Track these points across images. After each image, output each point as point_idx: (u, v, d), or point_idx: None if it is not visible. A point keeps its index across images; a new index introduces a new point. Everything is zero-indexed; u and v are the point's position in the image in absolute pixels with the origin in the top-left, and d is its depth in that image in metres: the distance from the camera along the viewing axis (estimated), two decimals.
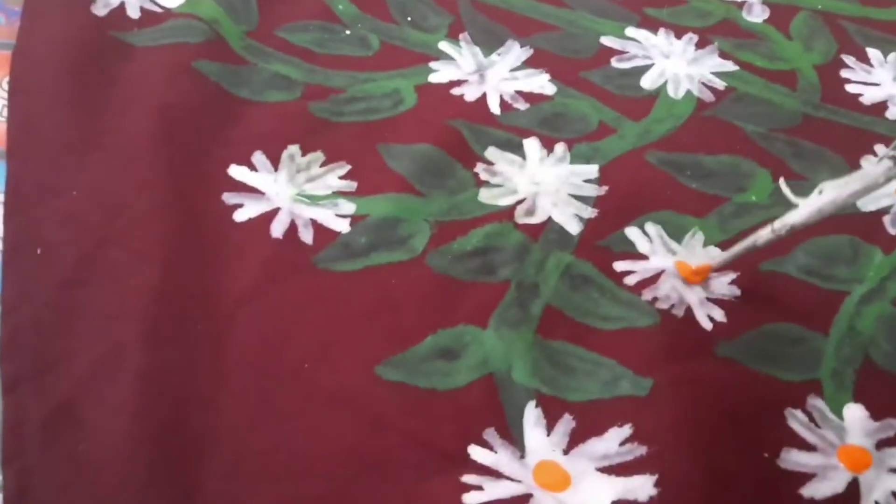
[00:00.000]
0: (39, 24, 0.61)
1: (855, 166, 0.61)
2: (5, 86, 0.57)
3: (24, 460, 0.40)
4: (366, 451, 0.43)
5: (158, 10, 0.64)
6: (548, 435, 0.44)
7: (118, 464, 0.40)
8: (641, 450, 0.43)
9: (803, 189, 0.59)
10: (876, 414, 0.47)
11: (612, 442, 0.43)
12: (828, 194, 0.44)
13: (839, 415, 0.47)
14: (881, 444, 0.46)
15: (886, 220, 0.58)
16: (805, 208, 0.45)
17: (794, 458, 0.45)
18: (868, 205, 0.58)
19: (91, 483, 0.40)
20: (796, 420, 0.46)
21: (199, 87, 0.59)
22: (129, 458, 0.40)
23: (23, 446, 0.40)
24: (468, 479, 0.42)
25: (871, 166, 0.40)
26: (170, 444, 0.42)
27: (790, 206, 0.58)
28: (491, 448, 0.43)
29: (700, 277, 0.52)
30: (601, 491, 0.41)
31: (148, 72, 0.59)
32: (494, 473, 0.42)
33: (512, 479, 0.42)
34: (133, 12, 0.63)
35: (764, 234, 0.48)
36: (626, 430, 0.44)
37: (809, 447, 0.45)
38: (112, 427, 0.41)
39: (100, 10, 0.62)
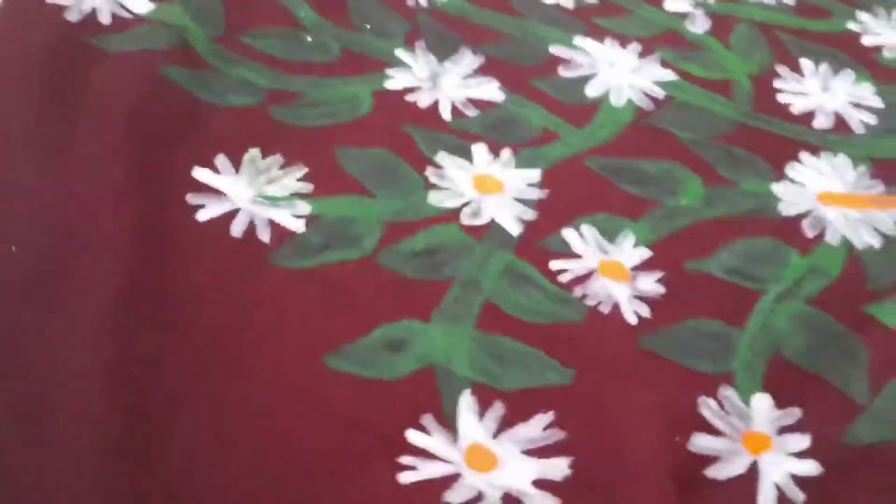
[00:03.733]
0: (14, 28, 0.64)
1: (781, 173, 0.66)
2: None
3: (4, 456, 0.44)
4: (313, 438, 0.47)
5: (129, 16, 0.67)
6: (479, 421, 0.48)
7: (83, 447, 0.44)
8: (560, 435, 0.47)
9: (730, 193, 0.64)
10: (780, 403, 0.52)
11: (536, 427, 0.48)
12: None
13: (747, 403, 0.52)
14: (782, 430, 0.50)
15: (804, 223, 0.62)
16: None
17: (702, 443, 0.49)
18: (789, 209, 0.63)
19: (59, 463, 0.44)
20: (708, 408, 0.51)
21: (167, 93, 0.62)
22: (94, 441, 0.44)
23: (2, 442, 0.44)
24: (404, 460, 0.46)
25: None
26: (132, 429, 0.46)
27: (716, 207, 0.63)
28: (427, 433, 0.48)
29: None
30: (523, 471, 0.46)
31: (118, 77, 0.62)
32: (429, 455, 0.46)
33: (444, 461, 0.46)
34: (104, 18, 0.66)
35: None
36: (549, 416, 0.48)
37: (717, 432, 0.50)
38: (79, 413, 0.45)
39: (73, 15, 0.66)
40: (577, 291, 0.56)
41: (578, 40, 0.74)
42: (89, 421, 0.45)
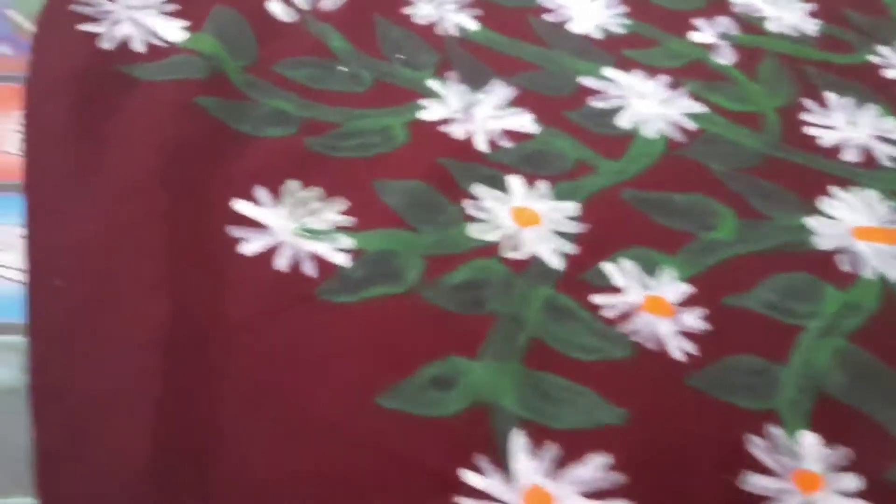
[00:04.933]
0: (48, 58, 0.63)
1: (812, 206, 0.66)
2: (17, 119, 0.60)
3: (55, 485, 0.43)
4: (365, 475, 0.46)
5: (163, 44, 0.67)
6: (533, 461, 0.48)
7: (137, 485, 0.43)
8: (618, 477, 0.47)
9: (764, 227, 0.64)
10: (827, 441, 0.52)
11: (593, 469, 0.48)
12: None
13: (794, 441, 0.52)
14: (831, 469, 0.50)
15: (839, 258, 0.63)
16: None
17: (754, 482, 0.49)
18: (824, 243, 0.63)
19: (102, 496, 0.43)
20: (756, 446, 0.51)
21: (202, 123, 0.62)
22: (151, 481, 0.44)
23: (51, 471, 0.43)
24: (461, 501, 0.46)
25: None
26: (177, 465, 0.45)
27: (751, 242, 0.63)
28: (481, 472, 0.47)
29: None
30: None
31: (153, 106, 0.62)
32: (485, 497, 0.46)
33: (502, 503, 0.46)
34: (138, 46, 0.66)
35: None
36: (605, 457, 0.48)
37: (767, 471, 0.50)
38: (131, 450, 0.44)
39: (106, 44, 0.65)
40: (623, 327, 0.55)
41: (607, 71, 0.74)
42: (133, 454, 0.44)
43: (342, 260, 0.56)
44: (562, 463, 0.48)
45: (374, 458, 0.47)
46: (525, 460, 0.48)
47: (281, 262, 0.55)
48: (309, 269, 0.55)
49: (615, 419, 0.50)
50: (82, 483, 0.43)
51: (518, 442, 0.49)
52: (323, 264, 0.56)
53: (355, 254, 0.57)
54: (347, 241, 0.57)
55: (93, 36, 0.65)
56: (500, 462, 0.48)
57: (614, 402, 0.51)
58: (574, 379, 0.52)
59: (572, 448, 0.49)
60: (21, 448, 0.45)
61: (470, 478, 0.47)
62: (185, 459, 0.45)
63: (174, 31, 0.67)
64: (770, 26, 0.83)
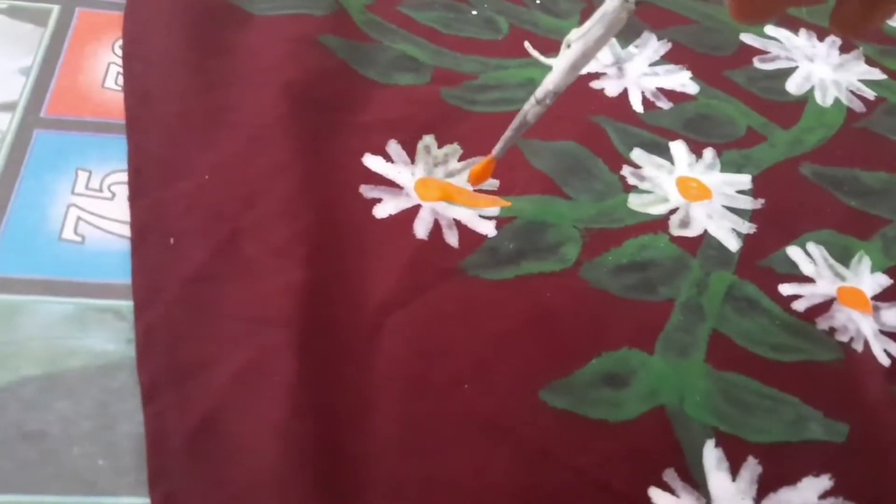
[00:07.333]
0: None
1: None
2: (118, 50, 0.53)
3: (171, 482, 0.35)
4: (533, 488, 0.38)
5: None
6: (733, 480, 0.40)
7: (272, 489, 0.36)
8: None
9: None
10: None
11: (810, 493, 0.39)
12: (576, 46, 0.37)
13: None
14: None
15: None
16: (558, 68, 0.38)
17: None
18: None
19: (237, 484, 0.36)
20: None
21: (326, 64, 0.54)
22: (283, 482, 0.36)
23: (169, 465, 0.36)
24: None
25: (605, 4, 0.35)
26: (322, 468, 0.37)
27: None
28: (672, 492, 0.39)
29: (485, 177, 0.40)
30: None
31: (270, 44, 0.54)
32: None
33: None
34: None
35: (530, 108, 0.40)
36: (825, 480, 0.40)
37: None
38: (262, 447, 0.37)
39: None
40: (822, 324, 0.47)
41: (771, 29, 0.65)
42: (276, 454, 0.37)
43: (487, 228, 0.48)
44: (768, 485, 0.40)
45: (542, 468, 0.39)
46: (722, 479, 0.40)
47: (421, 230, 0.47)
48: (451, 239, 0.47)
49: (834, 435, 0.41)
50: (201, 481, 0.36)
51: (710, 456, 0.40)
52: (465, 232, 0.48)
53: (501, 222, 0.49)
54: (492, 208, 0.49)
55: None
56: (693, 480, 0.40)
57: (829, 414, 0.42)
58: (771, 383, 0.44)
59: (778, 467, 0.40)
60: (129, 436, 0.37)
61: (659, 498, 0.39)
62: (321, 457, 0.37)
63: None
64: None
